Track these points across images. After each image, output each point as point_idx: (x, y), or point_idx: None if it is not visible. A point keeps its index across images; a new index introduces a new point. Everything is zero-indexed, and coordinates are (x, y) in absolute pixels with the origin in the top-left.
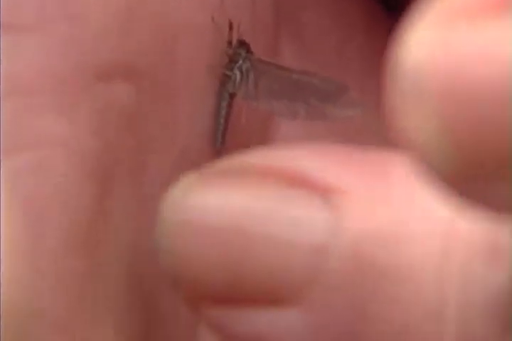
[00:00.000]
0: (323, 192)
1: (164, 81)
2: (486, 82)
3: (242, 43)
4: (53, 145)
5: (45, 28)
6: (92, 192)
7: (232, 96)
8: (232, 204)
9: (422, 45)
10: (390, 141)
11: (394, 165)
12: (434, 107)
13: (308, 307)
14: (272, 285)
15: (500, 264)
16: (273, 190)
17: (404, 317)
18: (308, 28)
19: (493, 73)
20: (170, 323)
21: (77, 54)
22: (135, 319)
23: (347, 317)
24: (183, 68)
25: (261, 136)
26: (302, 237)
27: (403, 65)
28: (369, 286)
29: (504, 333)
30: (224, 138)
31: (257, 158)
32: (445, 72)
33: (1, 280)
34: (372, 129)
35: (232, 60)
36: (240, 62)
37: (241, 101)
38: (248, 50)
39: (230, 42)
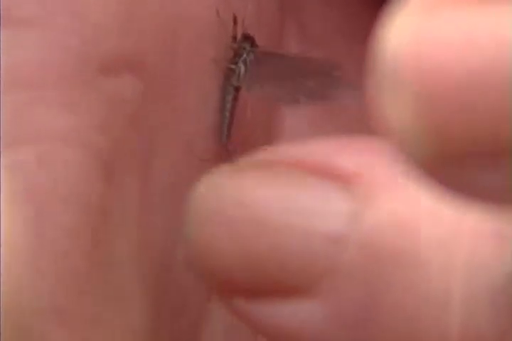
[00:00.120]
0: (344, 182)
1: (168, 75)
2: (473, 68)
3: (247, 37)
4: (54, 140)
5: (45, 21)
6: (93, 188)
7: (237, 89)
8: (262, 196)
9: (404, 31)
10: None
11: None
12: (412, 94)
13: (328, 296)
14: (294, 275)
15: (506, 256)
16: (296, 181)
17: (416, 304)
18: (314, 19)
19: (479, 59)
20: (172, 322)
21: (78, 47)
22: (135, 319)
23: (363, 305)
24: (186, 62)
25: (266, 129)
26: (324, 227)
27: (383, 52)
28: (385, 274)
29: (508, 327)
30: (230, 131)
31: (285, 152)
32: (428, 58)
33: (1, 280)
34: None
35: (237, 54)
36: (245, 55)
37: (246, 94)
38: (253, 44)
39: (234, 37)
